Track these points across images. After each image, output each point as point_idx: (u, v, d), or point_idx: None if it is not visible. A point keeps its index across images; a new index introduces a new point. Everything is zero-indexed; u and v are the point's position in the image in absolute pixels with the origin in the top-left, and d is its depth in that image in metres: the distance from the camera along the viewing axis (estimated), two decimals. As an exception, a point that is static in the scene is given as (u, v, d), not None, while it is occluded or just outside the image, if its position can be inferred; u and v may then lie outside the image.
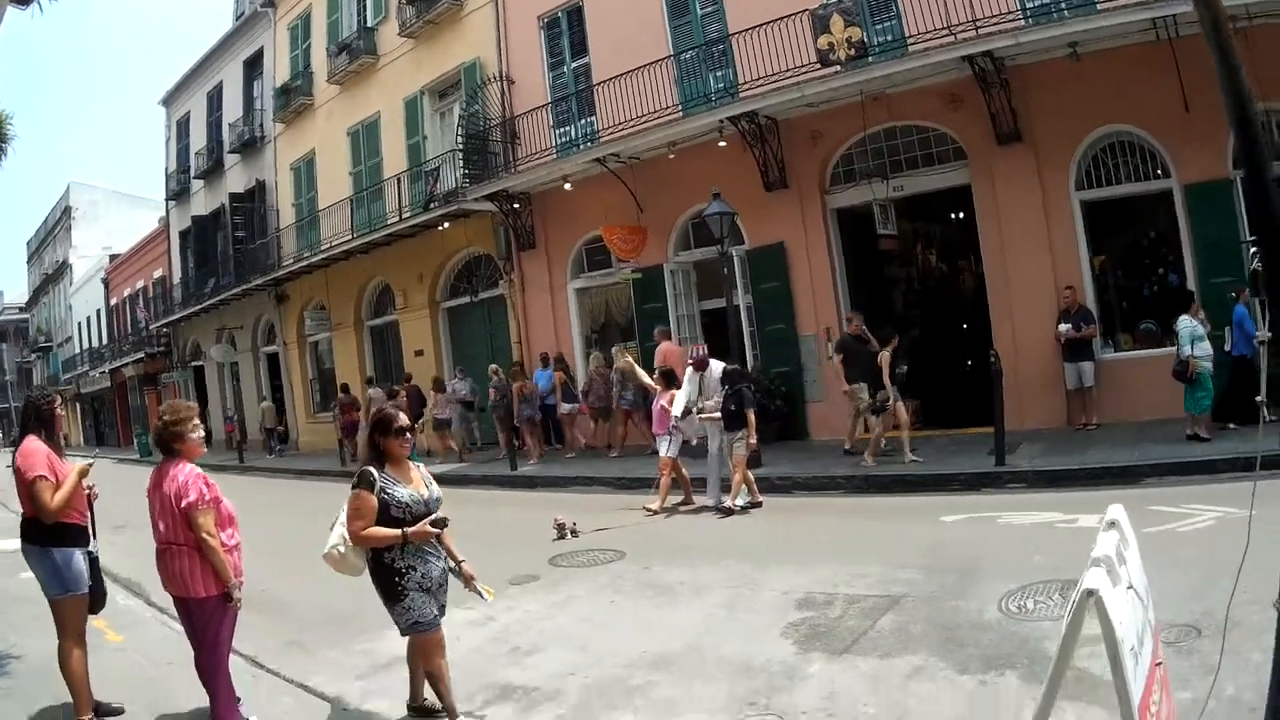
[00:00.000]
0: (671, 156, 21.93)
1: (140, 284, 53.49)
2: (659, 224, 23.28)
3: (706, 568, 11.31)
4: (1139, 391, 16.53)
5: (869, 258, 21.60)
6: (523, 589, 10.86)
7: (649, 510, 15.32)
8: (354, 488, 6.69)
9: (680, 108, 21.90)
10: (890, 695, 6.73)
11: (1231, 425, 14.36)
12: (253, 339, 41.30)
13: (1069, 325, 16.75)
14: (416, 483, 6.95)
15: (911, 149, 19.71)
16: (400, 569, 6.66)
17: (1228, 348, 14.79)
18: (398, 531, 6.59)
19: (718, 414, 15.05)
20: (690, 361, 16.10)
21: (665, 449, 15.76)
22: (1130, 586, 3.92)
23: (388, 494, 6.66)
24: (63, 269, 71.07)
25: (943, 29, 17.28)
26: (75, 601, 7.26)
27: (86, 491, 7.55)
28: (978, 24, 16.88)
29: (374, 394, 28.11)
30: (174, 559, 6.81)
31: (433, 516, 6.79)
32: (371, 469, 6.74)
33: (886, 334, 17.11)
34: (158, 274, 50.35)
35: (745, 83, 20.29)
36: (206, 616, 6.94)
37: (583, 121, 24.86)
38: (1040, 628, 7.49)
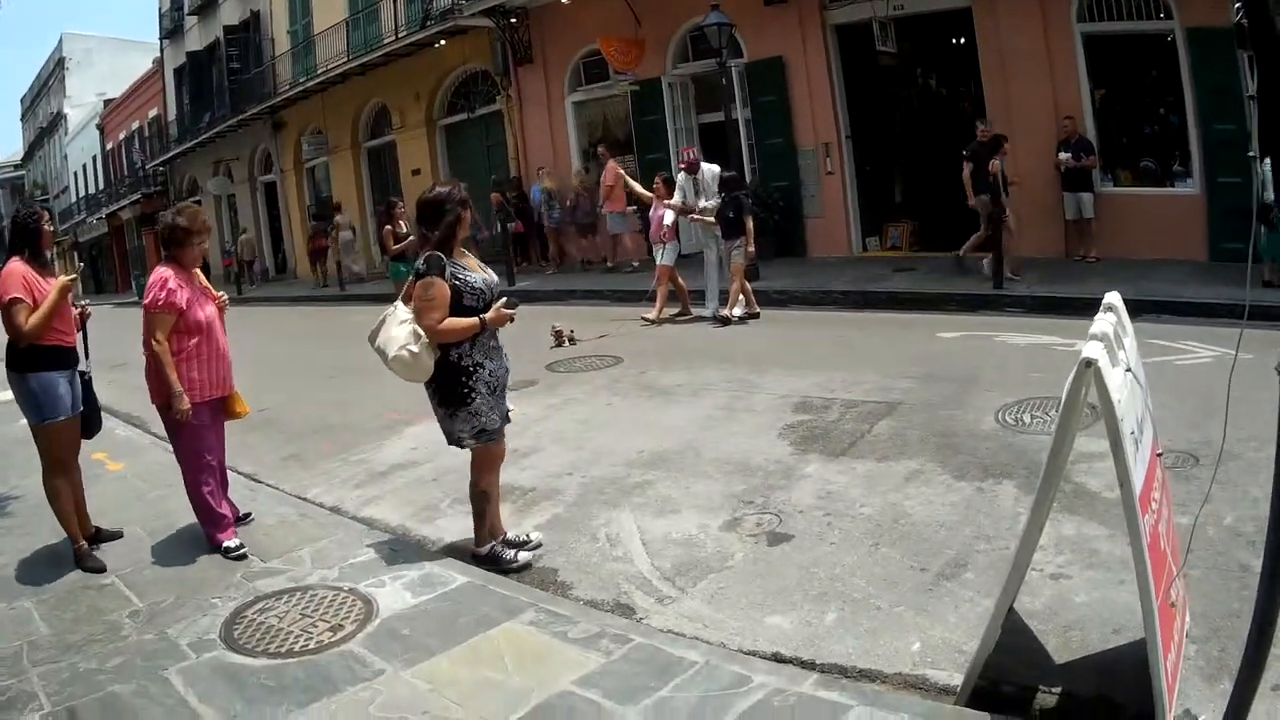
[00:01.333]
0: (669, -34, 21.41)
1: (136, 125, 52.76)
2: (657, 36, 22.84)
3: (704, 372, 11.40)
4: (1137, 228, 16.29)
5: (869, 76, 21.17)
6: (519, 394, 10.72)
7: (646, 320, 15.36)
8: (422, 275, 5.99)
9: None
10: (887, 497, 6.77)
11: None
12: (249, 169, 40.83)
13: (1068, 154, 16.47)
14: (476, 267, 6.37)
15: (912, -34, 19.19)
16: (468, 367, 6.07)
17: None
18: (476, 320, 6.01)
19: (712, 218, 14.95)
20: (681, 166, 15.91)
21: (662, 257, 15.73)
22: (1129, 370, 3.87)
23: (459, 279, 6.05)
24: (57, 120, 69.75)
25: None
26: (57, 429, 6.87)
27: (77, 310, 7.28)
28: None
29: (340, 220, 30.42)
30: (147, 365, 6.74)
31: (504, 300, 6.22)
32: (439, 253, 6.06)
33: (998, 138, 16.58)
34: (153, 114, 49.60)
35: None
36: (167, 426, 6.90)
37: (582, -72, 24.16)
38: (1037, 440, 7.50)
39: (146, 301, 6.58)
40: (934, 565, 5.63)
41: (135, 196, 51.49)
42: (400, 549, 6.58)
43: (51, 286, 6.83)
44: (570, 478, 7.93)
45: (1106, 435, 3.48)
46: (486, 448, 6.27)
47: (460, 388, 6.06)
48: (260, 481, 8.91)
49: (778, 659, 4.81)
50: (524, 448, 8.60)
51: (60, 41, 67.69)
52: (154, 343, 6.52)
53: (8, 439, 10.67)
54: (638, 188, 16.82)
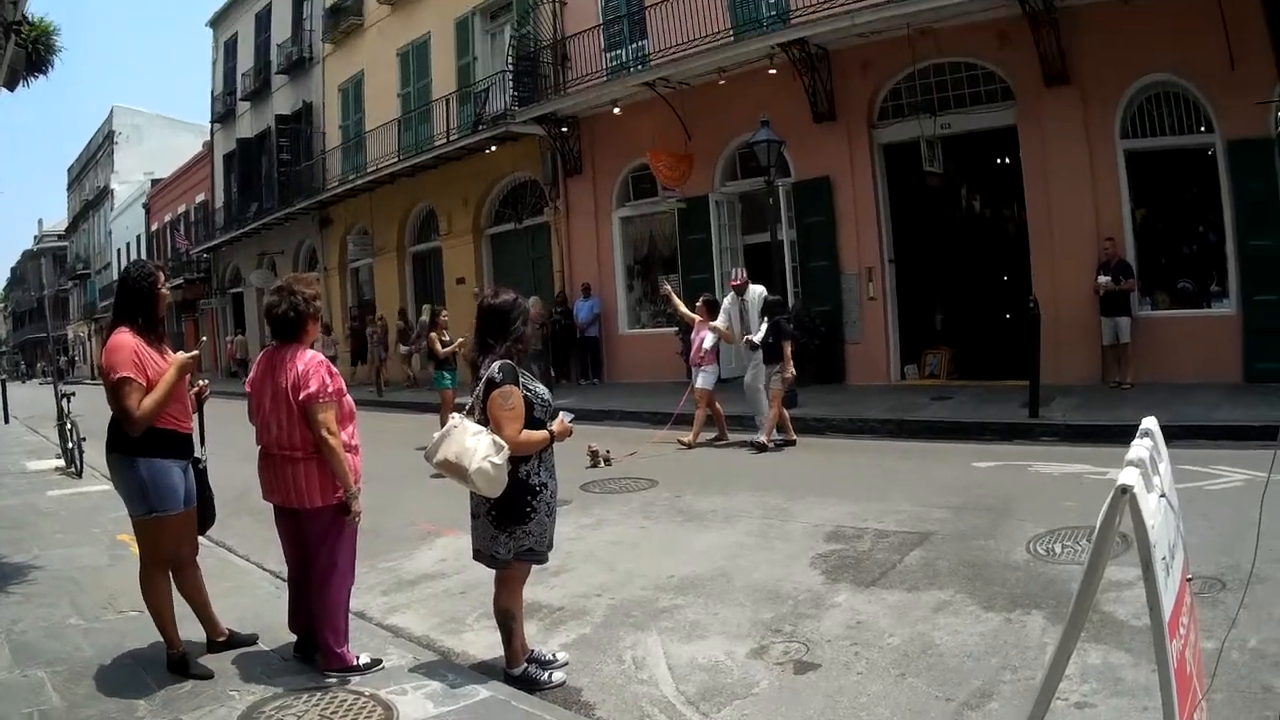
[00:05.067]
0: (721, 82, 21.73)
1: (182, 209, 53.62)
2: (706, 152, 23.11)
3: (738, 498, 11.36)
4: (1174, 352, 16.36)
5: (914, 196, 21.26)
6: (554, 512, 10.79)
7: (683, 443, 15.35)
8: (497, 384, 5.79)
9: (732, 32, 21.58)
10: (916, 627, 6.69)
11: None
12: (294, 265, 40.92)
13: (1108, 278, 16.50)
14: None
15: (960, 86, 19.45)
16: (534, 485, 5.91)
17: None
18: (546, 433, 5.89)
19: (757, 341, 14.96)
20: (732, 284, 15.93)
21: (701, 381, 15.72)
22: (1163, 495, 3.88)
23: (530, 390, 5.92)
24: (104, 195, 70.94)
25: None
26: (166, 523, 6.12)
27: (194, 391, 6.60)
28: (1031, -43, 16.57)
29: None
30: (284, 464, 6.04)
31: (565, 415, 6.12)
32: (511, 362, 5.90)
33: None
34: (200, 198, 50.48)
35: (798, 9, 20.04)
36: (322, 530, 6.14)
37: (634, 45, 24.56)
38: (1068, 570, 7.47)
39: (313, 390, 5.90)
40: (959, 695, 5.56)
41: (178, 281, 51.42)
42: (424, 659, 6.52)
43: (168, 363, 6.18)
44: (599, 598, 7.87)
45: (1138, 562, 3.47)
46: (521, 566, 6.13)
47: (524, 506, 5.90)
48: (285, 580, 8.85)
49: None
50: (554, 566, 8.51)
51: (111, 114, 69.17)
52: (328, 435, 5.89)
53: (32, 508, 10.73)
54: (682, 307, 16.82)
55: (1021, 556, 8.10)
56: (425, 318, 24.81)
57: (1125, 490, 3.38)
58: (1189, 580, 4.36)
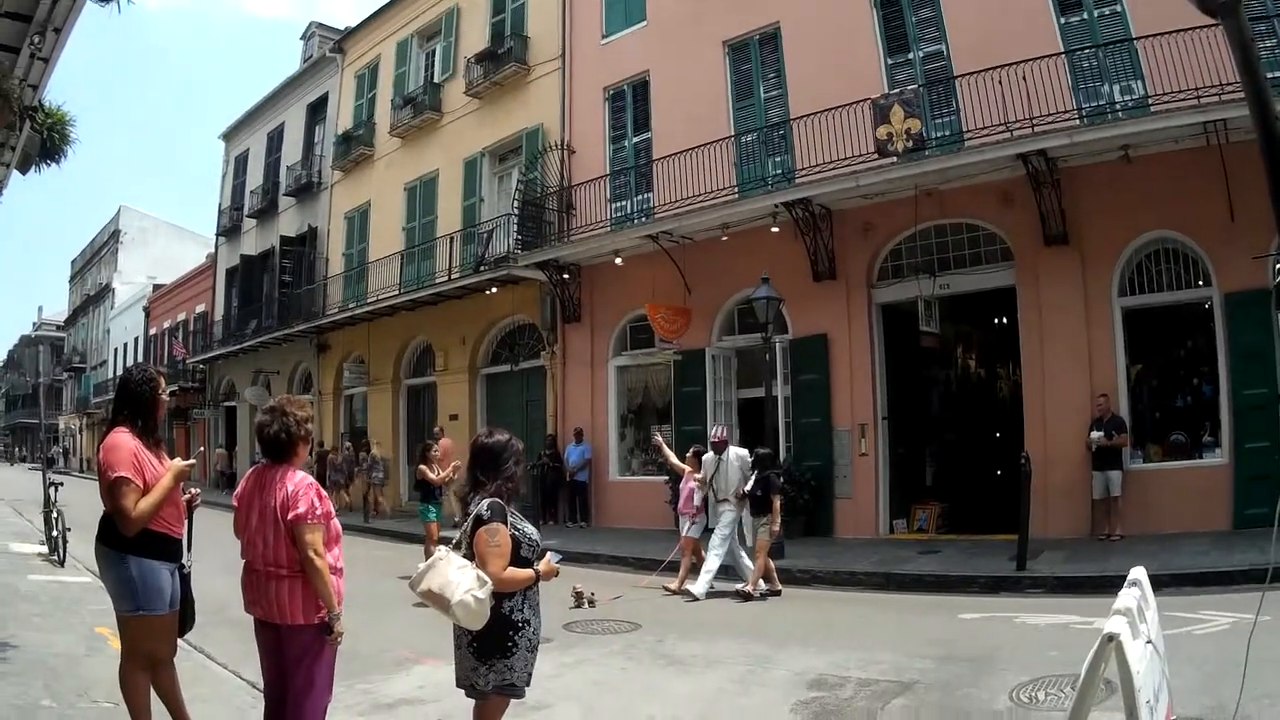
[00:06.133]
0: (724, 239, 21.98)
1: (181, 316, 53.95)
2: (705, 307, 23.28)
3: (721, 645, 11.29)
4: (1164, 503, 16.44)
5: (909, 356, 21.49)
6: (535, 649, 10.73)
7: (668, 589, 15.30)
8: (485, 521, 5.81)
9: (736, 190, 21.95)
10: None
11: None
12: (289, 385, 40.78)
13: (1100, 433, 16.66)
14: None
15: (960, 247, 19.78)
16: (517, 621, 5.87)
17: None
18: (531, 572, 5.89)
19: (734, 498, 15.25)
20: (714, 440, 16.08)
21: (687, 529, 15.85)
22: (1149, 642, 3.93)
23: (518, 529, 5.94)
24: (105, 292, 71.48)
25: (1000, 125, 17.40)
26: (151, 623, 6.25)
27: (186, 497, 6.69)
28: (1035, 122, 17.01)
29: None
30: (269, 580, 5.98)
31: (552, 555, 6.15)
32: (500, 501, 5.94)
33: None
34: (200, 309, 50.76)
35: (803, 169, 20.43)
36: (302, 648, 6.04)
37: (639, 196, 24.97)
38: (1051, 717, 7.50)
39: (301, 511, 5.87)
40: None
41: (173, 388, 51.16)
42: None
43: (165, 468, 6.34)
44: (577, 737, 7.79)
45: (1123, 708, 3.52)
46: (501, 700, 6.04)
47: (506, 641, 5.85)
48: (262, 691, 8.79)
49: None
50: (533, 701, 8.38)
51: (118, 214, 70.08)
52: (314, 556, 5.85)
53: (12, 590, 10.67)
54: (672, 458, 16.84)
55: (1005, 704, 8.08)
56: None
57: (1112, 638, 3.46)
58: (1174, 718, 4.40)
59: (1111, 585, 13.55)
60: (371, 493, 30.07)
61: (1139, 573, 4.50)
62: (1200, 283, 16.93)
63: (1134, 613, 3.74)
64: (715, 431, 16.58)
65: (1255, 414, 15.55)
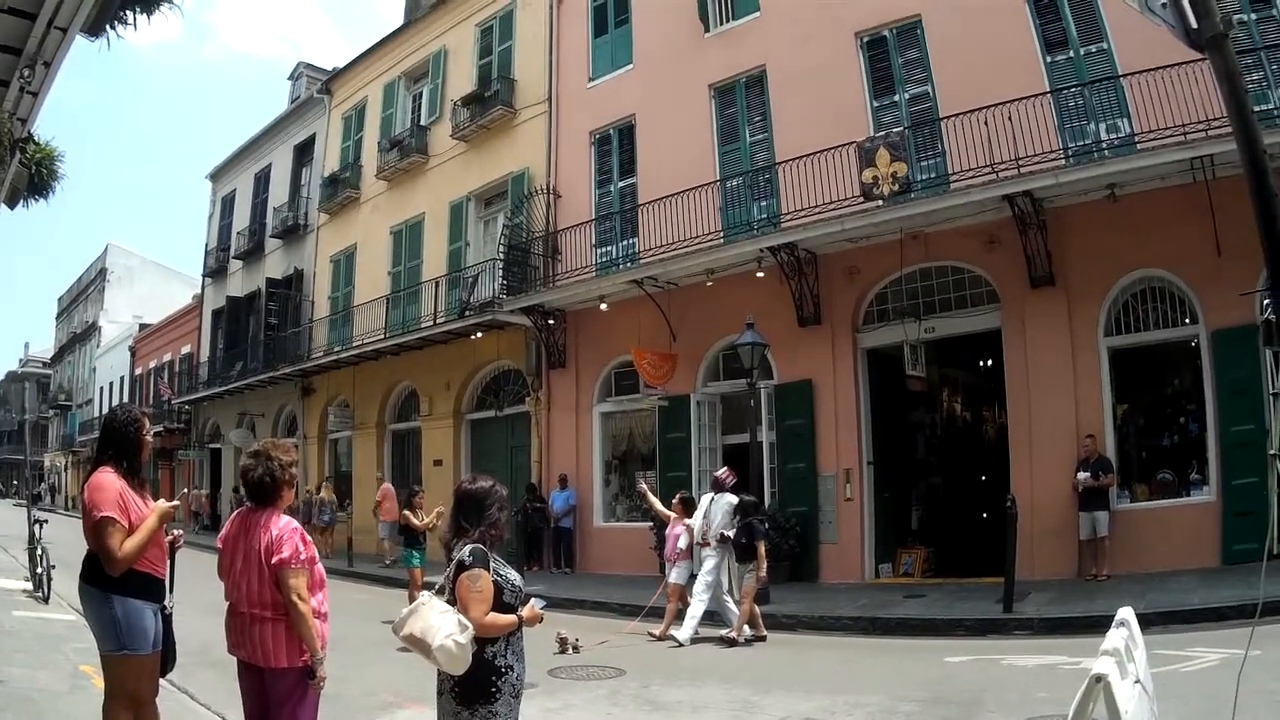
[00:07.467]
0: (709, 284, 21.99)
1: (167, 357, 53.84)
2: (690, 352, 23.26)
3: (706, 690, 11.26)
4: (1152, 542, 16.42)
5: (895, 400, 21.53)
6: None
7: (653, 635, 15.22)
8: (467, 567, 5.73)
9: (722, 234, 22.02)
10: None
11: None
12: (274, 428, 40.56)
13: (1087, 474, 16.66)
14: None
15: (946, 290, 19.84)
16: (500, 667, 5.75)
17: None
18: (514, 617, 5.77)
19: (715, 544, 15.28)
20: (720, 476, 16.14)
21: (674, 576, 15.83)
22: (1138, 681, 3.92)
23: (501, 575, 5.84)
24: (91, 330, 71.38)
25: (986, 167, 17.43)
26: (134, 663, 6.23)
27: (169, 539, 6.67)
28: (1020, 163, 17.08)
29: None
30: (253, 623, 6.00)
31: (536, 601, 6.07)
32: (483, 547, 5.86)
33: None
34: (185, 349, 50.68)
35: (788, 213, 20.48)
36: (285, 691, 6.05)
37: (624, 242, 24.98)
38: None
39: (286, 556, 5.91)
40: None
41: (158, 428, 51.02)
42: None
43: (149, 509, 6.35)
44: (560, 783, 7.74)
45: None
46: None
47: (489, 686, 5.74)
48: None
49: None
50: (517, 746, 8.47)
51: (105, 251, 69.90)
52: (298, 600, 5.89)
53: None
54: (658, 505, 16.85)
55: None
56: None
57: (1100, 678, 3.45)
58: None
59: (1099, 625, 13.53)
60: (323, 537, 29.77)
61: (1126, 613, 4.51)
62: (1187, 320, 17.01)
63: (1122, 652, 3.74)
64: (722, 471, 16.52)
65: (1243, 450, 15.52)
